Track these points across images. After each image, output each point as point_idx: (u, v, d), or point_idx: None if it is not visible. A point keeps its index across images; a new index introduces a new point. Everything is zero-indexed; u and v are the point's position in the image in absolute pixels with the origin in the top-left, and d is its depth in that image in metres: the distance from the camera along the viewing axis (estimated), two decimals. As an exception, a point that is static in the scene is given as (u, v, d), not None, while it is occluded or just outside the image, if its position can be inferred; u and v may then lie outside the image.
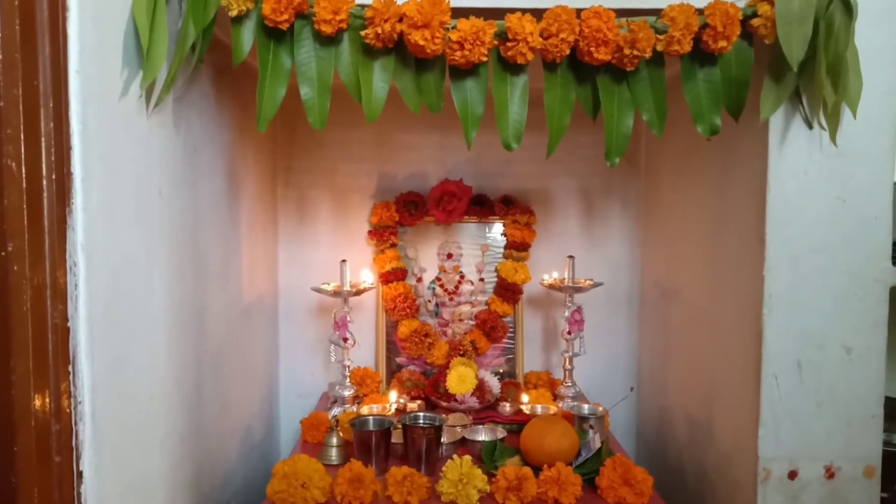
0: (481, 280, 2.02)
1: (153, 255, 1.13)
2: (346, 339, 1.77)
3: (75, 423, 0.86)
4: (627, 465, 1.36)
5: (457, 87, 1.25)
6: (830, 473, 1.31)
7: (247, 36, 1.19)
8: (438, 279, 2.02)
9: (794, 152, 1.28)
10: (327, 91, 1.24)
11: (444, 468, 1.35)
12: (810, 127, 1.27)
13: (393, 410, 1.70)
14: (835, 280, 1.28)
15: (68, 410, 0.85)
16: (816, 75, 1.20)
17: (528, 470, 1.34)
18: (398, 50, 1.22)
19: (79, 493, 0.85)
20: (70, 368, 0.85)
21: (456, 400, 1.77)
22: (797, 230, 1.28)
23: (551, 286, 1.86)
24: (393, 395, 1.74)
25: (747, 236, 1.37)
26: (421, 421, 1.52)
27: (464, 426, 1.63)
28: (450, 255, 2.02)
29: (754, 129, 1.32)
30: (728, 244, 1.47)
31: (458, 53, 1.18)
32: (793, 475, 1.31)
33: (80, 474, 0.86)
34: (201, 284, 1.36)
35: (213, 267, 1.44)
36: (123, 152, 1.02)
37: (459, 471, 1.34)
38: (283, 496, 1.30)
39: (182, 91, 1.25)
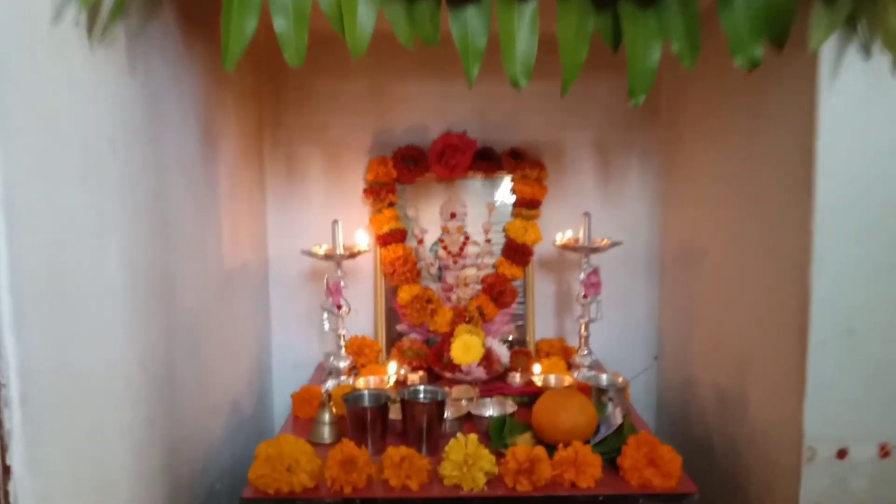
0: (488, 241, 1.86)
1: (105, 219, 0.98)
2: (339, 307, 1.63)
3: (-1, 412, 0.72)
4: (653, 443, 1.22)
5: (455, 16, 1.07)
6: (885, 452, 1.16)
7: (208, -44, 1.02)
8: (441, 240, 1.86)
9: (849, 87, 1.10)
10: (305, 22, 1.06)
11: (447, 448, 1.22)
12: (869, 56, 1.09)
13: (392, 383, 1.56)
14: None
15: (-10, 397, 0.70)
16: (880, -7, 1.02)
17: (541, 450, 1.20)
18: (386, -29, 1.04)
19: (6, 492, 0.72)
20: (-12, 346, 0.71)
21: (461, 371, 1.63)
22: (851, 178, 1.11)
23: (565, 246, 1.70)
24: (392, 366, 1.60)
25: (790, 187, 1.20)
26: (421, 395, 1.38)
27: (469, 399, 1.49)
28: (453, 215, 1.86)
29: (799, 62, 1.14)
30: (766, 197, 1.30)
31: (456, -28, 1.00)
32: (842, 454, 1.16)
33: (7, 469, 0.72)
34: (170, 252, 1.21)
35: (184, 232, 1.28)
36: (59, 92, 0.86)
37: (464, 451, 1.20)
38: (266, 481, 1.17)
39: (139, 25, 1.08)
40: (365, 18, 1.05)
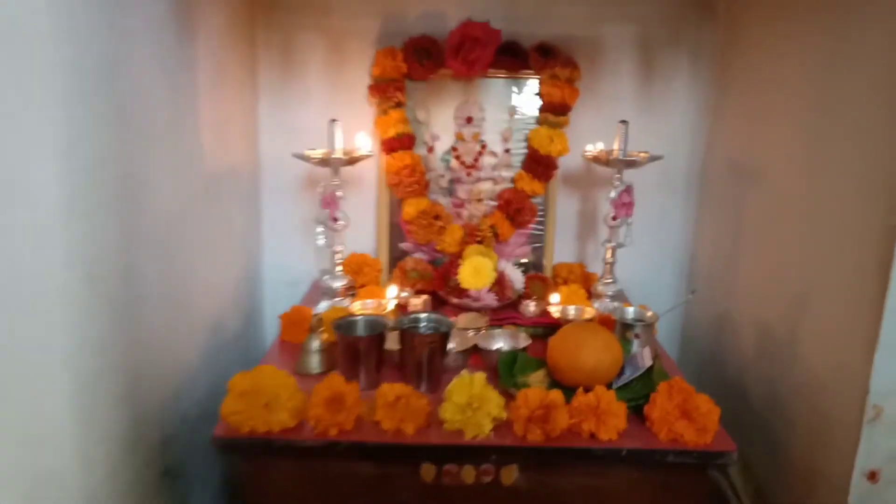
0: (507, 151, 1.63)
1: (33, 92, 0.77)
2: (336, 220, 1.43)
3: None
4: (687, 391, 1.05)
5: None
6: (965, 417, 0.98)
7: None
8: (454, 149, 1.64)
9: None
10: None
11: (448, 387, 1.05)
12: None
13: (392, 307, 1.38)
14: None
15: None
16: None
17: (557, 395, 1.03)
18: None
19: None
20: None
21: (469, 296, 1.45)
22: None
23: (596, 159, 1.47)
24: (393, 289, 1.41)
25: (888, 99, 0.96)
26: (423, 324, 1.21)
27: (477, 330, 1.32)
28: (469, 119, 1.62)
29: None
30: (855, 112, 1.06)
31: None
32: (913, 416, 0.98)
33: None
34: (131, 141, 1.01)
35: (150, 122, 1.07)
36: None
37: (469, 391, 1.03)
38: (240, 419, 1.02)
39: None
40: None
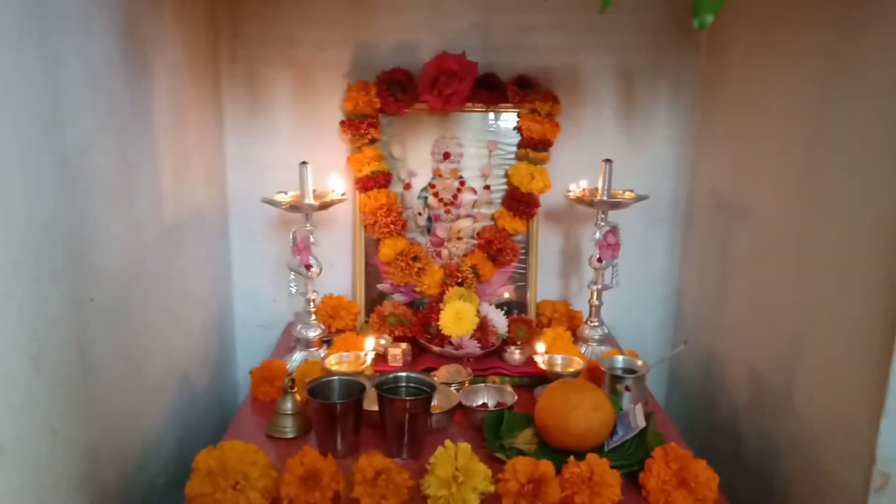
0: (486, 188, 1.57)
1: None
2: (308, 266, 1.36)
3: None
4: (685, 458, 0.99)
5: None
6: (976, 483, 0.93)
7: None
8: (432, 185, 1.57)
9: None
10: None
11: (432, 460, 0.98)
12: None
13: (370, 360, 1.31)
14: None
15: None
16: None
17: (547, 467, 0.96)
18: None
19: None
20: None
21: (451, 344, 1.38)
22: None
23: (579, 200, 1.42)
24: (370, 341, 1.34)
25: (889, 136, 0.92)
26: (403, 386, 1.14)
27: (460, 385, 1.25)
28: (447, 155, 1.56)
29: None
30: (844, 151, 1.02)
31: None
32: (921, 483, 0.94)
33: None
34: (78, 201, 0.93)
35: (100, 174, 0.99)
36: None
37: (454, 464, 0.97)
38: (207, 501, 0.94)
39: None
40: None
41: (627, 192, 1.41)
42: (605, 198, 1.36)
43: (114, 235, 1.04)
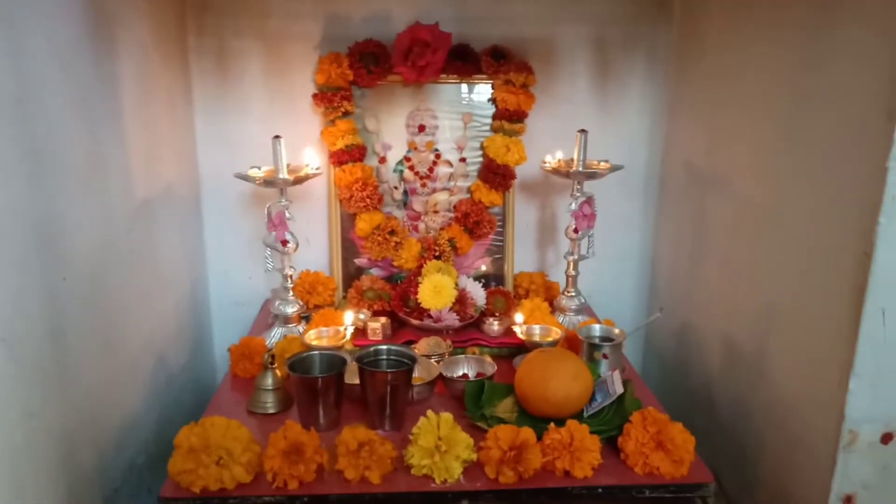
0: (462, 160, 1.57)
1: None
2: (285, 242, 1.34)
3: None
4: (662, 422, 1.01)
5: None
6: (939, 438, 0.97)
7: None
8: (407, 159, 1.56)
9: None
10: None
11: (415, 430, 0.99)
12: None
13: (349, 335, 1.30)
14: None
15: None
16: None
17: (528, 433, 0.98)
18: None
19: None
20: None
21: (430, 317, 1.38)
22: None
23: (555, 171, 1.42)
24: (349, 315, 1.34)
25: (861, 113, 0.93)
26: (384, 359, 1.14)
27: (440, 356, 1.26)
28: (422, 128, 1.55)
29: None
30: (824, 119, 1.03)
31: None
32: (887, 439, 0.97)
33: None
34: (47, 184, 0.90)
35: (68, 156, 0.96)
36: None
37: (436, 434, 0.98)
38: (190, 478, 0.94)
39: None
40: None
41: (603, 163, 1.41)
42: (580, 168, 1.36)
43: (84, 216, 1.01)
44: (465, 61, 1.50)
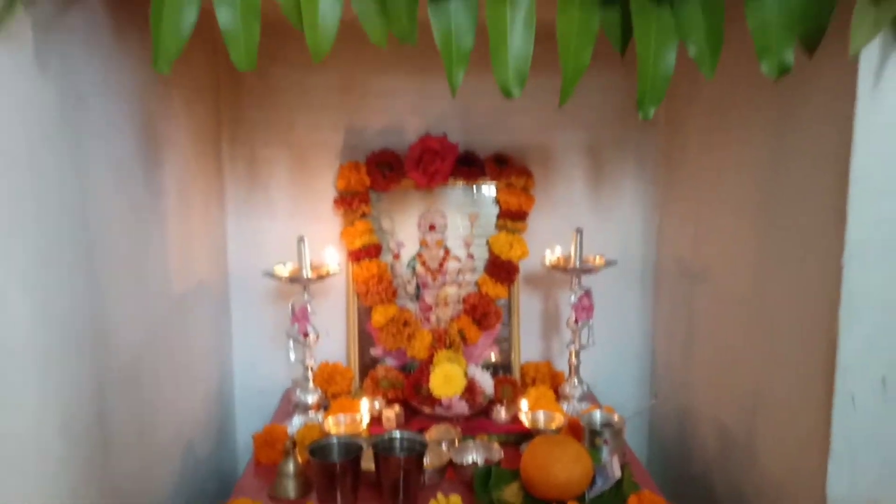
0: (470, 256, 1.69)
1: (8, 259, 0.79)
2: (306, 335, 1.45)
3: None
4: (657, 503, 1.07)
5: (436, 9, 0.90)
6: (921, 517, 1.02)
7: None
8: (419, 255, 1.69)
9: (893, 100, 0.95)
10: (256, 16, 0.88)
11: (425, 512, 1.06)
12: (918, 63, 0.94)
13: (366, 423, 1.39)
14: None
15: None
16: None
17: (532, 514, 1.04)
18: (353, -45, 0.86)
19: None
20: None
21: (441, 405, 1.46)
22: (892, 207, 0.96)
23: (555, 267, 1.53)
24: (365, 403, 1.42)
25: (818, 211, 1.05)
26: (398, 445, 1.22)
27: (451, 443, 1.33)
28: (432, 227, 1.68)
29: (834, 68, 0.99)
30: (786, 220, 1.15)
31: (438, -42, 0.82)
32: (871, 519, 1.03)
33: None
34: (102, 287, 1.02)
35: (120, 261, 1.09)
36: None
37: (445, 516, 1.04)
38: (215, 557, 1.00)
39: (53, 15, 0.89)
40: (328, 14, 0.88)
41: (598, 258, 1.53)
42: (577, 265, 1.48)
43: (129, 312, 1.13)
44: (471, 167, 1.66)
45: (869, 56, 0.94)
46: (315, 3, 0.87)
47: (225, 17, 0.88)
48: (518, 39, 0.91)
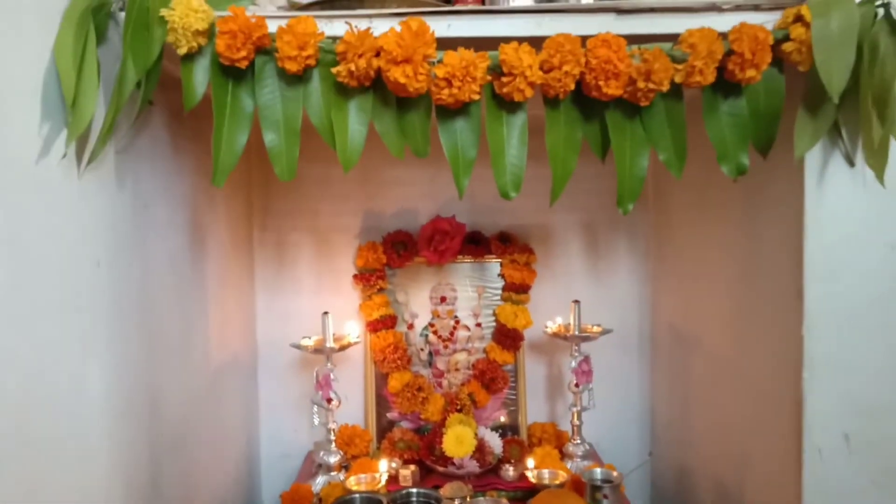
0: (478, 325, 1.85)
1: (89, 340, 0.96)
2: (329, 400, 1.59)
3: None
4: (651, 552, 1.19)
5: (445, 128, 1.09)
6: (888, 563, 1.13)
7: (200, 76, 1.03)
8: (431, 325, 1.84)
9: (835, 194, 1.11)
10: (296, 137, 1.07)
11: (441, 563, 1.18)
12: (852, 165, 1.11)
13: (384, 481, 1.51)
14: (889, 339, 1.12)
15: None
16: (861, 107, 1.04)
17: (538, 564, 1.16)
18: (376, 87, 1.05)
19: None
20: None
21: (454, 464, 1.59)
22: (842, 284, 1.11)
23: (555, 334, 1.68)
24: (383, 463, 1.56)
25: (782, 286, 1.20)
26: (414, 499, 1.35)
27: (463, 499, 1.46)
28: (443, 299, 1.85)
29: (787, 167, 1.15)
30: (759, 293, 1.30)
31: (446, 92, 1.01)
32: (844, 565, 1.14)
33: None
34: (156, 362, 1.18)
35: (171, 338, 1.26)
36: (42, 224, 0.85)
37: (459, 566, 1.16)
38: None
39: (127, 140, 1.08)
40: (356, 133, 1.06)
41: (595, 327, 1.68)
42: (576, 333, 1.63)
43: (176, 383, 1.28)
44: (477, 245, 1.83)
45: (813, 158, 1.11)
46: (345, 124, 1.06)
47: (271, 138, 1.06)
48: (513, 151, 1.09)
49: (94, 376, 0.97)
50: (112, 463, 1.00)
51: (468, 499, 1.46)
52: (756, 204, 1.31)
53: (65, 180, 0.90)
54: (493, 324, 1.84)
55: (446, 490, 1.50)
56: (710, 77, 1.04)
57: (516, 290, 1.80)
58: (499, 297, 1.84)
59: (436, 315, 1.85)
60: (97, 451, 0.97)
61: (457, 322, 1.84)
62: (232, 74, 1.04)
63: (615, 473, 1.46)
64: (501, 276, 1.84)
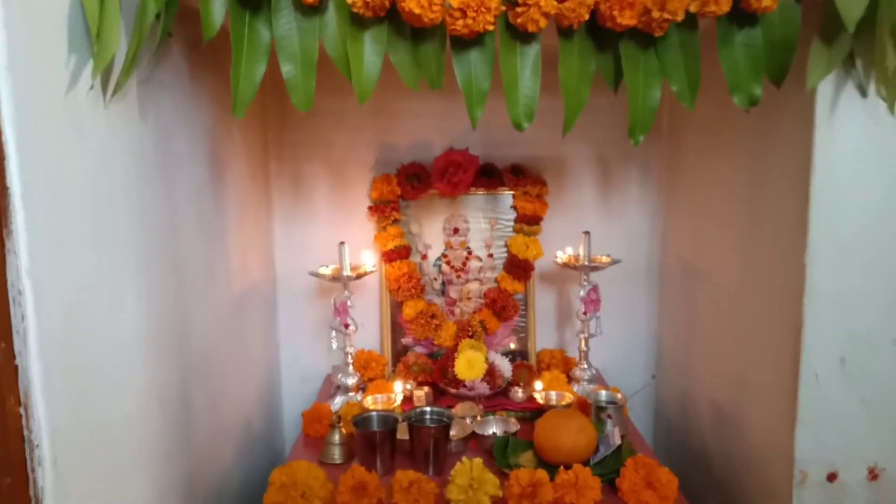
0: (490, 256, 1.89)
1: (122, 269, 1.01)
2: (347, 326, 1.66)
3: (32, 471, 0.76)
4: (650, 465, 1.27)
5: (459, 59, 1.10)
6: (874, 475, 1.20)
7: (217, 7, 1.04)
8: (444, 256, 1.89)
9: (846, 127, 1.13)
10: (312, 68, 1.09)
11: (452, 472, 1.26)
12: (864, 95, 1.12)
13: (399, 401, 1.60)
14: (888, 273, 1.15)
15: (23, 458, 0.75)
16: (877, 36, 1.04)
17: (542, 474, 1.24)
18: (391, 18, 1.06)
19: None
20: (22, 411, 0.75)
21: (465, 386, 1.67)
22: (847, 218, 1.14)
23: (565, 264, 1.73)
24: (398, 384, 1.64)
25: (787, 220, 1.23)
26: (428, 417, 1.43)
27: (473, 418, 1.54)
28: (456, 230, 1.89)
29: (798, 100, 1.17)
30: (764, 226, 1.33)
31: (461, 22, 1.02)
32: (832, 477, 1.21)
33: (42, 526, 0.77)
34: (184, 289, 1.25)
35: (197, 266, 1.31)
36: (75, 155, 0.89)
37: (469, 475, 1.25)
38: (281, 508, 1.22)
39: (149, 72, 1.11)
40: (371, 64, 1.08)
41: (605, 258, 1.72)
42: (585, 263, 1.67)
43: (202, 309, 1.35)
44: (490, 177, 1.86)
45: (825, 90, 1.12)
46: (360, 55, 1.08)
47: (288, 69, 1.09)
48: (527, 82, 1.11)
49: (129, 304, 1.03)
50: (147, 386, 1.08)
51: (478, 417, 1.54)
52: (765, 138, 1.32)
53: (93, 112, 0.93)
54: (505, 255, 1.88)
55: (458, 410, 1.58)
56: (726, 6, 1.04)
57: (528, 221, 1.84)
58: (511, 229, 1.88)
59: (448, 246, 1.89)
60: (133, 376, 1.04)
61: (469, 253, 1.89)
62: (249, 5, 1.05)
63: (619, 395, 1.53)
64: (514, 207, 1.87)
